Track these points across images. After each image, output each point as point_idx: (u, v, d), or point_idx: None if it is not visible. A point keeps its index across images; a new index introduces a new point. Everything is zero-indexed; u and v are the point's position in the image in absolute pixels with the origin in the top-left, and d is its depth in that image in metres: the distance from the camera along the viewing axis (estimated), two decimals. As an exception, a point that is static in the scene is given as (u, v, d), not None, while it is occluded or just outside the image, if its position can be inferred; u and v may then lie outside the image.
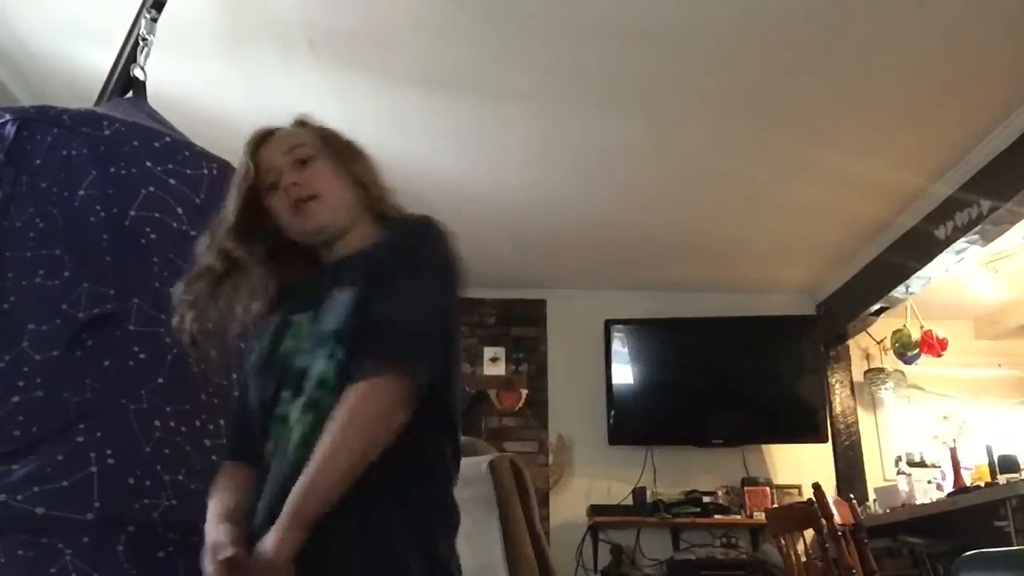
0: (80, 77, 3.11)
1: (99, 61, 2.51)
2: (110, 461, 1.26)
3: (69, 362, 1.34)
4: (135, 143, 1.57)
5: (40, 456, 1.24)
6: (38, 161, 1.51)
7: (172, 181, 1.57)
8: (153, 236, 1.49)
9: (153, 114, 2.01)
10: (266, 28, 3.03)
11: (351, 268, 1.30)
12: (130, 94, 2.12)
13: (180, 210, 1.55)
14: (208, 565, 1.13)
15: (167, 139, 1.65)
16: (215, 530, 1.17)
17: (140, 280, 1.45)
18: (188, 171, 1.60)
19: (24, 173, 1.49)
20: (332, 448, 1.13)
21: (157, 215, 1.52)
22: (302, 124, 1.48)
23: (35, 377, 1.32)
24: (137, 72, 2.17)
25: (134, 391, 1.35)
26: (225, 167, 1.71)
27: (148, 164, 1.55)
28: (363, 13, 2.94)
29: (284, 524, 1.10)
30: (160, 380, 1.38)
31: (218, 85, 3.34)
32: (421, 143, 3.76)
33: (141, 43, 2.20)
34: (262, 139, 1.43)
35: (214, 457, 1.37)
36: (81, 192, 1.48)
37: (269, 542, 1.10)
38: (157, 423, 1.33)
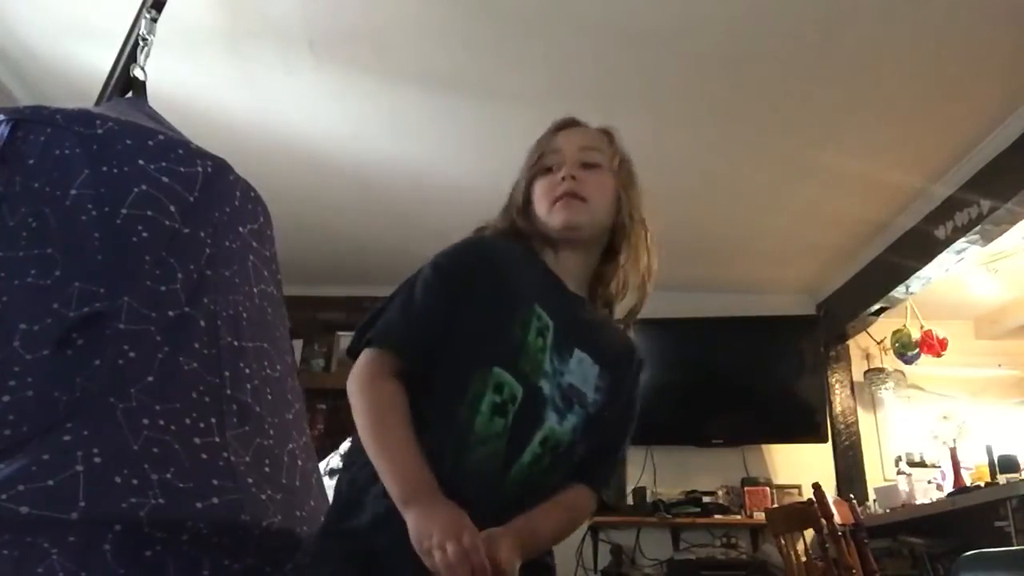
0: (80, 77, 3.12)
1: (99, 61, 2.52)
2: (96, 460, 1.25)
3: (60, 361, 1.34)
4: (128, 141, 1.58)
5: (26, 455, 1.23)
6: (31, 161, 1.51)
7: (165, 179, 1.57)
8: (145, 234, 1.49)
9: (152, 114, 2.01)
10: (266, 28, 3.04)
11: (599, 337, 1.34)
12: (130, 94, 2.12)
13: (173, 208, 1.55)
14: (453, 545, 1.04)
15: (161, 137, 1.65)
16: (445, 505, 1.10)
17: (131, 278, 1.45)
18: (182, 169, 1.60)
19: (17, 173, 1.49)
20: (560, 530, 1.25)
21: (149, 213, 1.51)
22: (607, 135, 1.48)
23: (26, 377, 1.32)
24: (137, 72, 2.17)
25: (123, 389, 1.34)
26: (221, 165, 1.71)
27: (141, 162, 1.55)
28: (363, 13, 2.95)
29: (520, 550, 1.12)
30: (150, 378, 1.38)
31: (218, 85, 3.35)
32: (421, 143, 3.76)
33: (141, 43, 2.21)
34: (566, 125, 1.46)
35: (204, 456, 1.37)
36: (73, 191, 1.48)
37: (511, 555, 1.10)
38: (146, 421, 1.33)
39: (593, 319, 1.37)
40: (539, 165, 1.41)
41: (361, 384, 1.22)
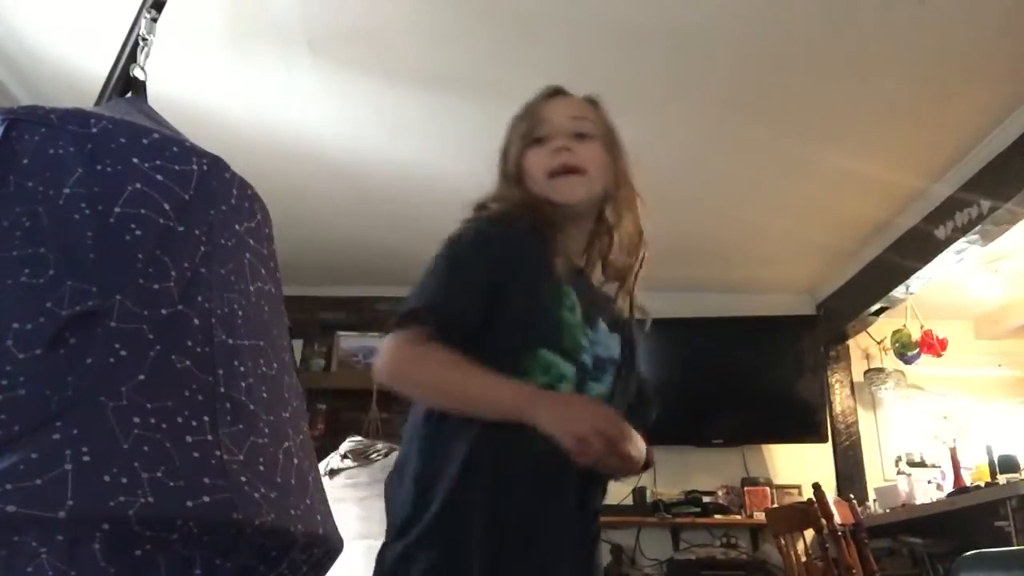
0: (80, 77, 3.13)
1: (99, 61, 2.53)
2: (86, 459, 1.25)
3: (52, 360, 1.34)
4: (122, 140, 1.57)
5: (15, 454, 1.23)
6: (25, 161, 1.51)
7: (160, 177, 1.57)
8: (138, 233, 1.49)
9: (151, 113, 2.01)
10: (266, 28, 3.04)
11: (609, 305, 1.36)
12: (130, 94, 2.12)
13: (167, 206, 1.55)
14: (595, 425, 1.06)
15: (155, 135, 1.64)
16: (568, 395, 1.20)
17: (123, 277, 1.45)
18: (177, 167, 1.60)
19: (11, 173, 1.49)
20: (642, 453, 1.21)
21: (143, 211, 1.51)
22: (594, 104, 1.47)
23: (18, 376, 1.32)
24: (137, 72, 2.17)
25: (114, 388, 1.34)
26: (216, 162, 1.71)
27: (135, 161, 1.55)
28: (362, 13, 2.95)
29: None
30: (141, 377, 1.38)
31: (218, 85, 3.35)
32: (421, 143, 3.76)
33: (141, 43, 2.20)
34: (554, 93, 1.45)
35: (196, 454, 1.37)
36: (66, 190, 1.48)
37: None
38: (136, 420, 1.33)
39: (597, 288, 1.38)
40: (530, 136, 1.39)
41: (406, 358, 1.21)
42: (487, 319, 1.21)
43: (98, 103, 2.13)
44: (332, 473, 3.07)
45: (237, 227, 1.74)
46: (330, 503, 1.66)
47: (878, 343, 5.22)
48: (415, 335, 1.22)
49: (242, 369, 1.56)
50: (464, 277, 1.24)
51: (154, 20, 2.27)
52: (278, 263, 1.91)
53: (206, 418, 1.41)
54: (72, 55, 3.17)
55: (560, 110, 1.41)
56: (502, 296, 1.23)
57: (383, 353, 1.23)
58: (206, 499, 1.33)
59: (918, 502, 4.37)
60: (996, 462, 4.20)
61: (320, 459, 2.69)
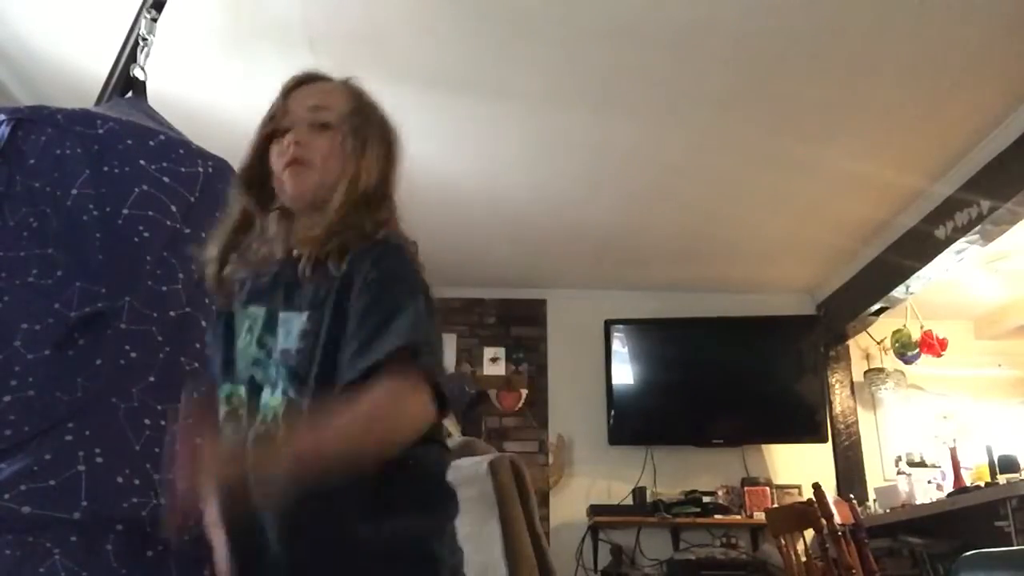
0: (80, 77, 3.12)
1: (99, 61, 2.52)
2: (99, 460, 1.26)
3: (61, 361, 1.34)
4: (129, 142, 1.58)
5: (29, 455, 1.24)
6: (32, 161, 1.51)
7: (166, 179, 1.57)
8: (146, 234, 1.49)
9: (152, 113, 2.01)
10: (266, 28, 3.03)
11: (310, 283, 1.22)
12: (130, 94, 2.12)
13: (174, 208, 1.55)
14: None
15: (161, 137, 1.65)
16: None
17: (132, 278, 1.45)
18: (183, 169, 1.60)
19: (18, 173, 1.49)
20: (343, 434, 1.09)
21: (150, 213, 1.52)
22: (346, 85, 1.39)
23: (27, 376, 1.32)
24: (137, 72, 2.17)
25: (125, 389, 1.35)
26: (221, 165, 1.71)
27: (142, 162, 1.55)
28: (363, 13, 2.95)
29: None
30: (151, 378, 1.38)
31: (218, 85, 3.34)
32: (420, 143, 3.73)
33: (141, 43, 2.20)
34: (299, 83, 1.39)
35: (205, 456, 1.38)
36: (74, 191, 1.48)
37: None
38: (147, 421, 1.33)
39: (307, 271, 1.23)
40: (269, 128, 1.34)
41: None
42: None
43: (98, 103, 2.12)
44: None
45: (242, 229, 1.74)
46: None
47: (878, 343, 5.21)
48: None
49: (247, 371, 1.56)
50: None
51: (154, 20, 2.27)
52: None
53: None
54: (72, 55, 3.16)
55: (301, 100, 1.34)
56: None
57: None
58: (216, 501, 1.33)
59: (918, 502, 4.37)
60: (996, 462, 4.20)
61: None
